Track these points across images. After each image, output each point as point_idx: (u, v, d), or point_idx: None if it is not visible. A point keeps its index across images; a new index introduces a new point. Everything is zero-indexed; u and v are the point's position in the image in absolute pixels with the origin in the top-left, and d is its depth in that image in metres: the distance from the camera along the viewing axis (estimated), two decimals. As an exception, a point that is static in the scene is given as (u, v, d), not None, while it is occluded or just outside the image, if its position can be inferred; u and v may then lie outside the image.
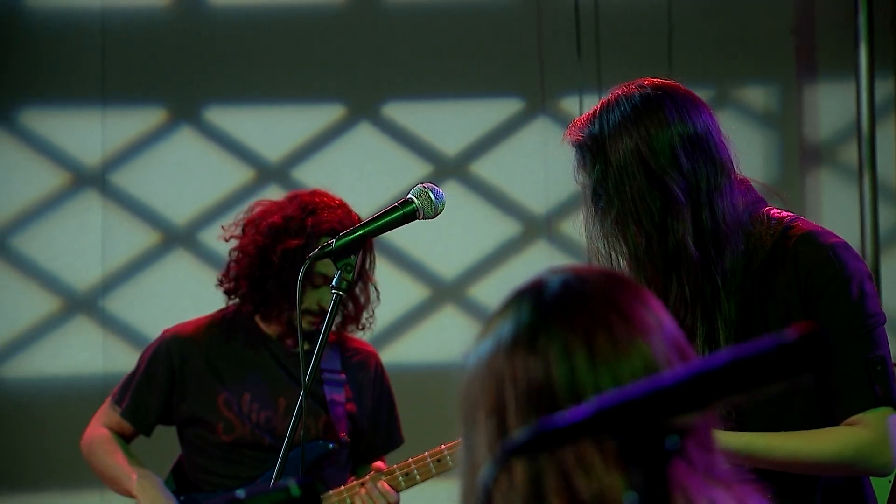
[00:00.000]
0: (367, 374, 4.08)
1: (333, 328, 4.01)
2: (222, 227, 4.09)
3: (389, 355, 4.65)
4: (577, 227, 2.69)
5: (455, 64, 5.52)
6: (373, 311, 4.06)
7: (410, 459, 3.85)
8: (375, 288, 4.05)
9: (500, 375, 1.45)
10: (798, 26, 5.56)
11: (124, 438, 4.05)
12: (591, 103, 2.79)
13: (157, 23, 5.47)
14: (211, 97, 5.47)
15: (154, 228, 5.42)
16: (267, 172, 5.45)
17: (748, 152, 2.87)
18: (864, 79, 5.32)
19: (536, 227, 5.48)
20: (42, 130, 5.40)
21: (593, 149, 2.61)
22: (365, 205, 4.37)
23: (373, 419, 4.08)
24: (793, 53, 5.54)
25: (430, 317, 5.45)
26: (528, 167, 5.45)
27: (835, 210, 5.43)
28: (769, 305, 2.62)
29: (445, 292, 5.46)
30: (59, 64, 5.42)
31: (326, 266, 3.80)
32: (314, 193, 3.99)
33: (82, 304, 5.38)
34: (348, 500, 3.86)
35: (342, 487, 3.88)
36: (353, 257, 2.73)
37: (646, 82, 2.64)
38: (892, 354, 2.63)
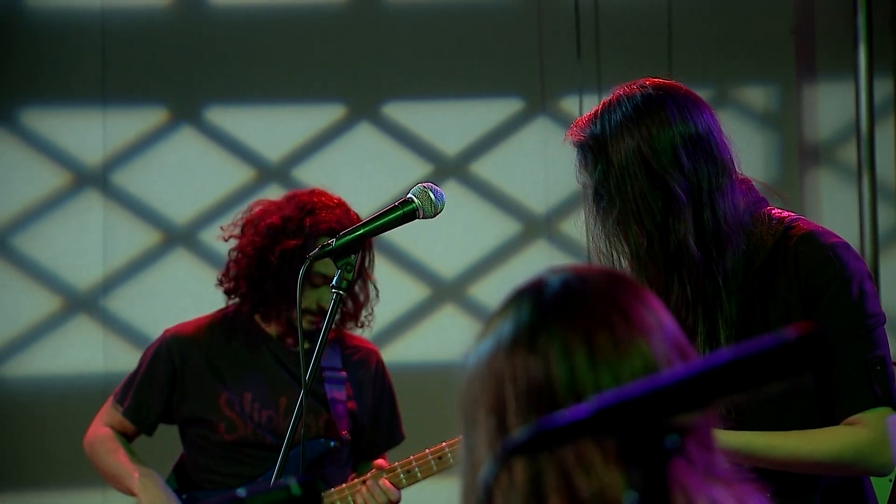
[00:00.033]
0: (367, 372, 4.08)
1: (333, 326, 4.01)
2: (221, 228, 4.09)
3: (390, 354, 4.64)
4: (577, 226, 2.69)
5: (455, 64, 5.52)
6: (372, 309, 4.06)
7: (412, 456, 3.84)
8: (374, 286, 4.05)
9: (500, 375, 1.45)
10: (798, 26, 5.56)
11: (126, 437, 4.06)
12: (592, 103, 2.79)
13: (157, 23, 5.47)
14: (211, 97, 5.47)
15: (155, 228, 5.42)
16: (267, 172, 5.45)
17: (748, 152, 2.86)
18: (864, 79, 5.32)
19: (536, 227, 5.48)
20: (43, 130, 5.40)
21: (595, 149, 2.61)
22: (365, 205, 4.37)
23: (374, 416, 4.07)
24: (792, 53, 5.54)
25: (431, 316, 5.45)
26: (528, 167, 5.45)
27: (834, 210, 5.43)
28: (770, 305, 2.62)
29: (445, 292, 5.46)
30: (60, 64, 5.42)
31: (326, 265, 3.80)
32: (313, 193, 3.98)
33: (83, 304, 5.38)
34: (350, 498, 3.86)
35: (343, 485, 3.88)
36: (353, 257, 2.73)
37: (647, 82, 2.64)
38: (892, 354, 2.63)
